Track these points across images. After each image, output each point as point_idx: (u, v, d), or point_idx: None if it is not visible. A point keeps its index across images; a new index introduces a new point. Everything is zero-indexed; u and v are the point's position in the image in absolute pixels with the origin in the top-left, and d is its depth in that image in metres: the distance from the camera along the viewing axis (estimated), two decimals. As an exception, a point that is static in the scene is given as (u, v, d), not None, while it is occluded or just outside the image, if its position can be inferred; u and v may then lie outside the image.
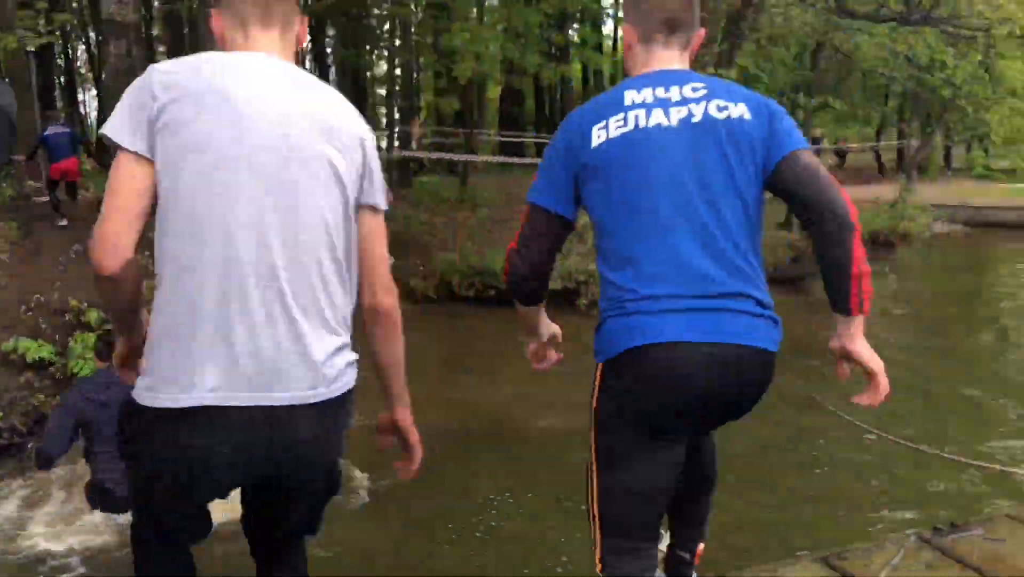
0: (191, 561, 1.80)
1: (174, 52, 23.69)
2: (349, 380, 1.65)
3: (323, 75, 27.64)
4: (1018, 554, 2.72)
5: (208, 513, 1.76)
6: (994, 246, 17.12)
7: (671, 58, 1.86)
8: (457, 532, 4.33)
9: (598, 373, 1.85)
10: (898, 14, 9.93)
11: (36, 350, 6.49)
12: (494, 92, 30.57)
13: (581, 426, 1.96)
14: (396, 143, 15.58)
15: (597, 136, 1.76)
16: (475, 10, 15.52)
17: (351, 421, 1.70)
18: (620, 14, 27.46)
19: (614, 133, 1.75)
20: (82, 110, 32.13)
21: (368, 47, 25.60)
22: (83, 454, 4.07)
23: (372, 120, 29.99)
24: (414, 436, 1.86)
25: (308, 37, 1.87)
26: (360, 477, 4.97)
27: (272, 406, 1.52)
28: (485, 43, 12.86)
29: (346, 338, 1.67)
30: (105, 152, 14.36)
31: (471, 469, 5.15)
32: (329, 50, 26.78)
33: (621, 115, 1.76)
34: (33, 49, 12.74)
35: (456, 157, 17.37)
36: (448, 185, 17.59)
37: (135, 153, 1.51)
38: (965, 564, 2.56)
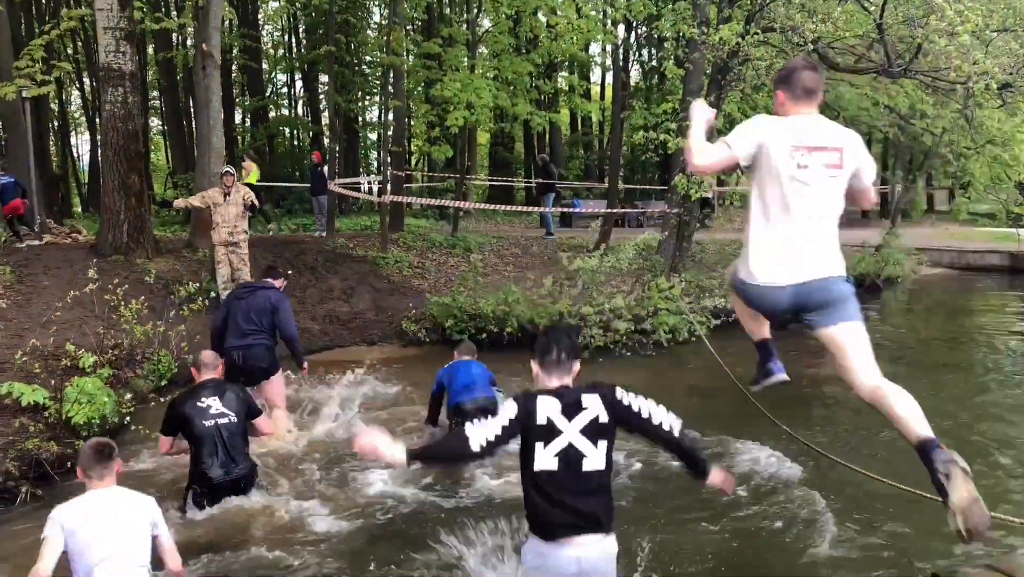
0: None
1: (169, 98, 23.98)
2: None
3: (315, 119, 28.00)
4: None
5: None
6: (979, 289, 17.35)
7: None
8: None
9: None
10: (879, 66, 10.19)
11: (30, 394, 6.43)
12: (484, 137, 30.96)
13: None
14: (388, 187, 15.74)
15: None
16: (466, 60, 15.82)
17: None
18: (607, 61, 27.99)
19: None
20: (74, 153, 32.31)
21: (360, 93, 26.01)
22: None
23: (363, 164, 30.28)
24: None
25: None
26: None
27: None
28: (477, 92, 13.10)
29: None
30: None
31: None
32: (322, 96, 27.13)
33: None
34: (29, 96, 12.89)
35: (447, 204, 17.55)
36: (438, 229, 17.72)
37: None
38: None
